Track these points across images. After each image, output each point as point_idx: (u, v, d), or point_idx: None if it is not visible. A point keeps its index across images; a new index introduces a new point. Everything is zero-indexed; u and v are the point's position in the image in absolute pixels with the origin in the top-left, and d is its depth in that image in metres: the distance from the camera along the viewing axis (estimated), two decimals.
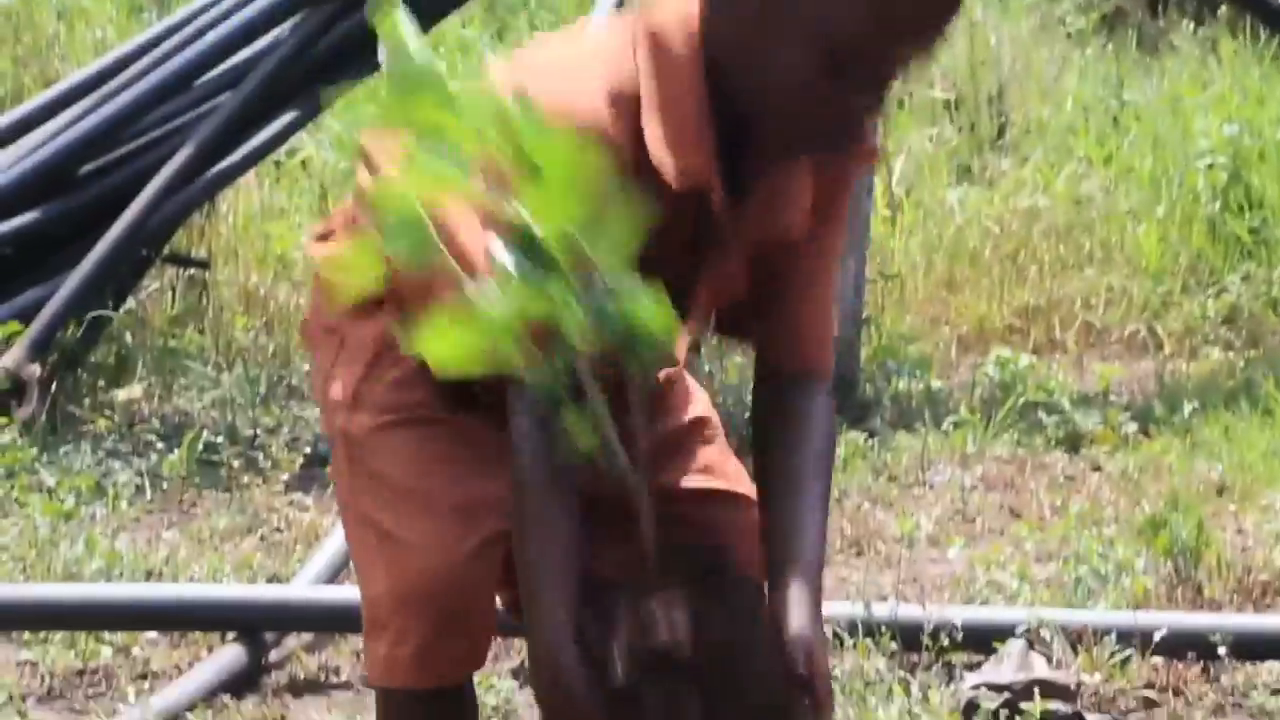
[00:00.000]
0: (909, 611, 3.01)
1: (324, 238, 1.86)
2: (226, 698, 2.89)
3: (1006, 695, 2.70)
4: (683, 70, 1.57)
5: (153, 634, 3.16)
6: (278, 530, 3.72)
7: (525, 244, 1.39)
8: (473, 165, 1.37)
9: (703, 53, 1.58)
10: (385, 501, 1.76)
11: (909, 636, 2.95)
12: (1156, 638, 2.89)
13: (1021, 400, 4.46)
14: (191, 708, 2.82)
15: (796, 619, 1.58)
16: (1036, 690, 2.71)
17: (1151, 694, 2.88)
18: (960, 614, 3.01)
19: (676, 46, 1.58)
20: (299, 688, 2.99)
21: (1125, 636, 2.91)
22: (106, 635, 3.11)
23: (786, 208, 1.67)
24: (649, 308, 1.42)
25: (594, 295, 1.41)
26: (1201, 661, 2.91)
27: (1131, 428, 4.31)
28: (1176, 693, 2.86)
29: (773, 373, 1.74)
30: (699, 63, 1.58)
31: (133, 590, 3.13)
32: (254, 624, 3.03)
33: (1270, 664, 2.90)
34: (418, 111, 1.37)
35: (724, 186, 1.61)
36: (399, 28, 1.39)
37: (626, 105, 1.55)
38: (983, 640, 2.93)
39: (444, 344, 1.38)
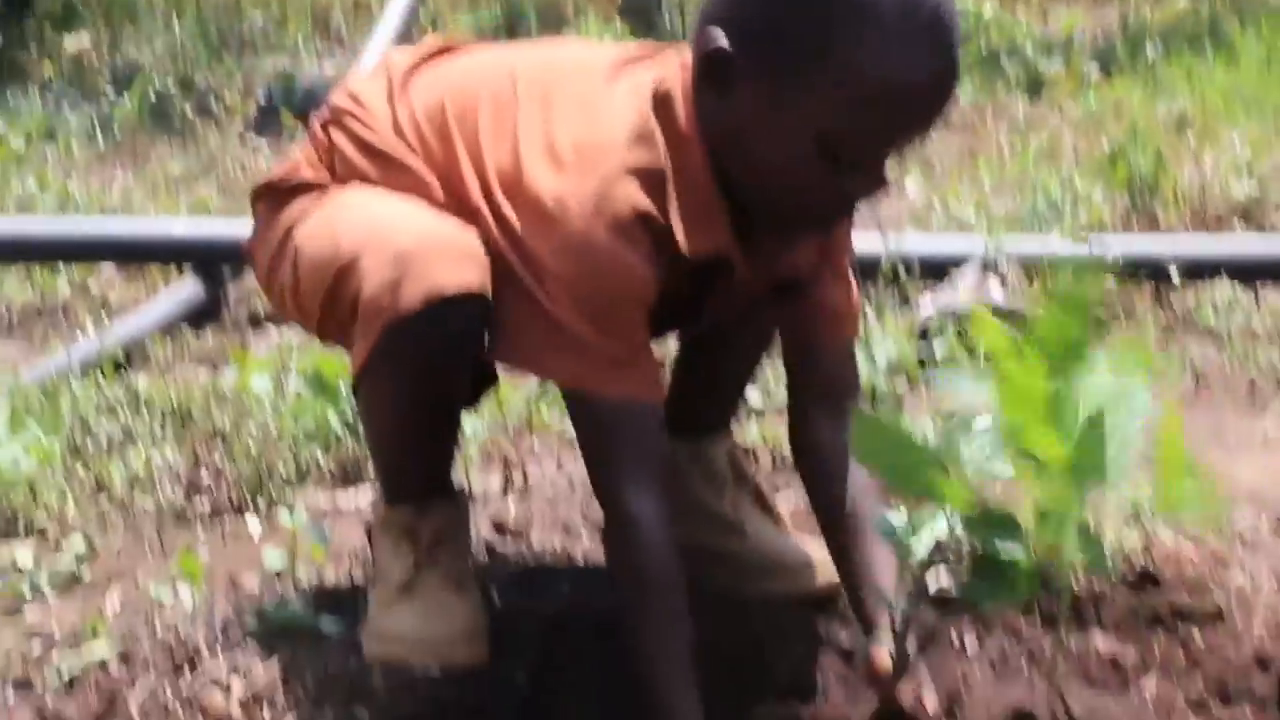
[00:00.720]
0: (864, 242, 3.00)
1: (290, 172, 1.83)
2: (185, 328, 2.89)
3: (958, 314, 2.72)
4: (693, 157, 1.67)
5: (109, 272, 3.16)
6: (233, 174, 3.70)
7: None
8: None
9: (702, 138, 1.67)
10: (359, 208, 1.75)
11: (865, 268, 2.95)
12: (1111, 261, 2.91)
13: (985, 48, 4.40)
14: (150, 337, 2.83)
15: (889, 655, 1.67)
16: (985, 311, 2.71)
17: (1104, 317, 2.90)
18: (917, 244, 3.01)
19: (685, 130, 1.67)
20: (259, 319, 3.00)
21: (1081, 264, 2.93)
22: (62, 270, 3.11)
23: (796, 251, 1.76)
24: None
25: None
26: (1154, 283, 2.94)
27: (1094, 73, 4.27)
28: (1129, 315, 2.89)
29: (806, 394, 1.81)
30: (702, 148, 1.67)
31: (89, 224, 3.11)
32: (211, 256, 3.02)
33: (1219, 287, 2.92)
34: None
35: (740, 248, 1.71)
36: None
37: (658, 184, 1.66)
38: (939, 272, 2.94)
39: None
